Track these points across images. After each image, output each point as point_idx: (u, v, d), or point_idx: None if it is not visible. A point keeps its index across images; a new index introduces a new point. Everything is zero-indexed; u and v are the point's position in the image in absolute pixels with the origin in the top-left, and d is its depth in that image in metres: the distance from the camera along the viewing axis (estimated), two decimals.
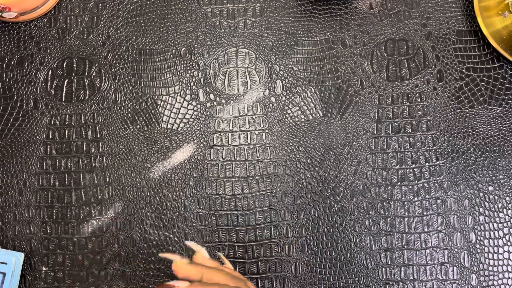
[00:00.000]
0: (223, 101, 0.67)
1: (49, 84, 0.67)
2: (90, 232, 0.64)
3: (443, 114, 0.66)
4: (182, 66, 0.67)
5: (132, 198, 0.64)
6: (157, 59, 0.67)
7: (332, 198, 0.64)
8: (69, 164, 0.65)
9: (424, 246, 0.63)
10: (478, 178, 0.65)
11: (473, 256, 0.63)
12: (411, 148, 0.65)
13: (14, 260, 0.61)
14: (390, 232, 0.64)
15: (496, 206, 0.64)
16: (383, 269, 0.63)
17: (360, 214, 0.64)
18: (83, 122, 0.66)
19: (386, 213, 0.64)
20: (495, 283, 0.63)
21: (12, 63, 0.67)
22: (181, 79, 0.67)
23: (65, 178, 0.65)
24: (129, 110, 0.66)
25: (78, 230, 0.64)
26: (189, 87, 0.67)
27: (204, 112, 0.66)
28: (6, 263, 0.61)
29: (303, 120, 0.66)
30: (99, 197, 0.64)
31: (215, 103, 0.67)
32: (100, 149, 0.65)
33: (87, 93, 0.67)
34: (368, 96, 0.67)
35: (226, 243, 0.64)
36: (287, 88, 0.67)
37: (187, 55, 0.68)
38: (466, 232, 0.64)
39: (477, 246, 0.63)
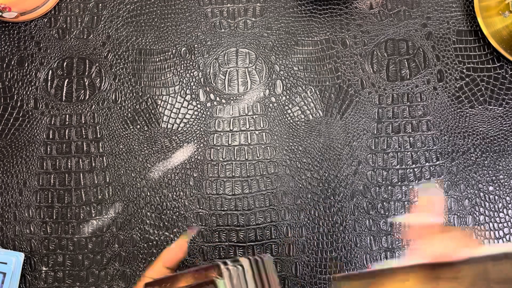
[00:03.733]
0: (223, 101, 0.67)
1: (49, 84, 0.67)
2: (90, 232, 0.64)
3: (443, 114, 0.66)
4: (182, 66, 0.67)
5: (132, 198, 0.64)
6: (157, 59, 0.67)
7: (332, 198, 0.64)
8: (69, 164, 0.65)
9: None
10: (478, 178, 0.65)
11: None
12: (411, 148, 0.65)
13: (14, 260, 0.61)
14: (390, 232, 0.64)
15: (496, 206, 0.64)
16: None
17: (361, 214, 0.64)
18: (83, 122, 0.66)
19: (387, 213, 0.64)
20: None
21: (12, 63, 0.67)
22: (181, 79, 0.67)
23: (65, 178, 0.65)
24: (129, 110, 0.66)
25: (78, 230, 0.64)
26: (189, 87, 0.67)
27: (204, 112, 0.66)
28: (6, 263, 0.61)
29: (303, 120, 0.66)
30: (99, 197, 0.64)
31: (215, 103, 0.67)
32: (100, 149, 0.65)
33: (87, 93, 0.67)
34: (368, 96, 0.67)
35: (226, 243, 0.64)
36: (287, 88, 0.67)
37: (187, 55, 0.68)
38: None
39: None
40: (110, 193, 0.65)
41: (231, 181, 0.65)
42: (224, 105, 0.67)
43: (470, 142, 0.65)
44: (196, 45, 0.68)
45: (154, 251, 0.63)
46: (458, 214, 0.64)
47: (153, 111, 0.66)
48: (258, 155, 0.65)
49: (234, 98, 0.67)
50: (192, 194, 0.65)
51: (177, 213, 0.64)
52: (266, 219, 0.64)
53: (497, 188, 0.64)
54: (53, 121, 0.66)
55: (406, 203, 0.64)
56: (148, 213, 0.64)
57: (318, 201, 0.64)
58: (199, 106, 0.66)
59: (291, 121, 0.66)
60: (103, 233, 0.64)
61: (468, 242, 0.42)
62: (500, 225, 0.64)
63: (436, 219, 0.45)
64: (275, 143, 0.66)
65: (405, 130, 0.66)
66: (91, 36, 0.68)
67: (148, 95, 0.67)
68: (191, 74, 0.67)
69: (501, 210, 0.64)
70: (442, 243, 0.42)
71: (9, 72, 0.67)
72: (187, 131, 0.66)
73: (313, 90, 0.67)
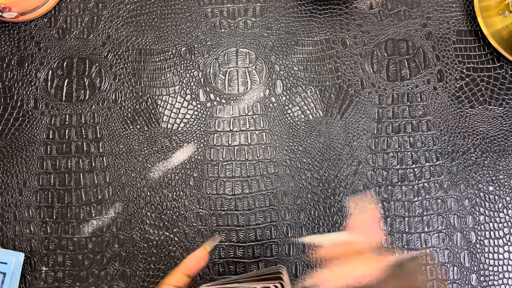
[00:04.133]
0: (223, 101, 0.67)
1: (49, 84, 0.67)
2: (90, 232, 0.64)
3: (443, 114, 0.66)
4: (182, 66, 0.67)
5: (132, 198, 0.64)
6: (157, 59, 0.67)
7: (332, 198, 0.64)
8: (69, 164, 0.65)
9: (424, 246, 0.63)
10: (479, 178, 0.65)
11: (473, 256, 0.63)
12: (411, 148, 0.65)
13: (14, 260, 0.61)
14: (390, 232, 0.64)
15: (496, 206, 0.64)
16: None
17: None
18: (83, 122, 0.66)
19: (386, 213, 0.64)
20: (495, 283, 0.63)
21: (12, 63, 0.67)
22: (181, 79, 0.67)
23: (65, 178, 0.65)
24: (129, 110, 0.66)
25: (78, 230, 0.64)
26: (189, 87, 0.67)
27: (204, 112, 0.66)
28: (6, 263, 0.61)
29: (303, 120, 0.66)
30: (99, 197, 0.64)
31: (215, 103, 0.67)
32: (100, 149, 0.65)
33: (87, 93, 0.67)
34: (368, 96, 0.67)
35: (226, 243, 0.64)
36: (287, 88, 0.67)
37: (187, 55, 0.68)
38: (466, 232, 0.64)
39: (477, 246, 0.63)
40: (110, 193, 0.65)
41: (231, 181, 0.65)
42: (224, 105, 0.67)
43: (470, 142, 0.65)
44: (196, 45, 0.68)
45: (154, 251, 0.63)
46: (458, 214, 0.64)
47: (153, 111, 0.66)
48: (258, 155, 0.65)
49: (234, 98, 0.67)
50: (192, 194, 0.65)
51: (177, 213, 0.64)
52: (266, 219, 0.64)
53: (497, 188, 0.64)
54: (53, 121, 0.66)
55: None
56: (148, 213, 0.64)
57: (318, 201, 0.64)
58: (199, 106, 0.66)
59: (291, 121, 0.66)
60: (103, 233, 0.64)
61: (382, 266, 0.42)
62: (500, 225, 0.64)
63: (367, 240, 0.45)
64: (275, 143, 0.66)
65: (405, 130, 0.66)
66: (91, 36, 0.68)
67: (148, 95, 0.67)
68: (191, 74, 0.67)
69: (501, 210, 0.64)
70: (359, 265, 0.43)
71: (9, 72, 0.67)
72: (187, 131, 0.66)
73: (313, 90, 0.67)
